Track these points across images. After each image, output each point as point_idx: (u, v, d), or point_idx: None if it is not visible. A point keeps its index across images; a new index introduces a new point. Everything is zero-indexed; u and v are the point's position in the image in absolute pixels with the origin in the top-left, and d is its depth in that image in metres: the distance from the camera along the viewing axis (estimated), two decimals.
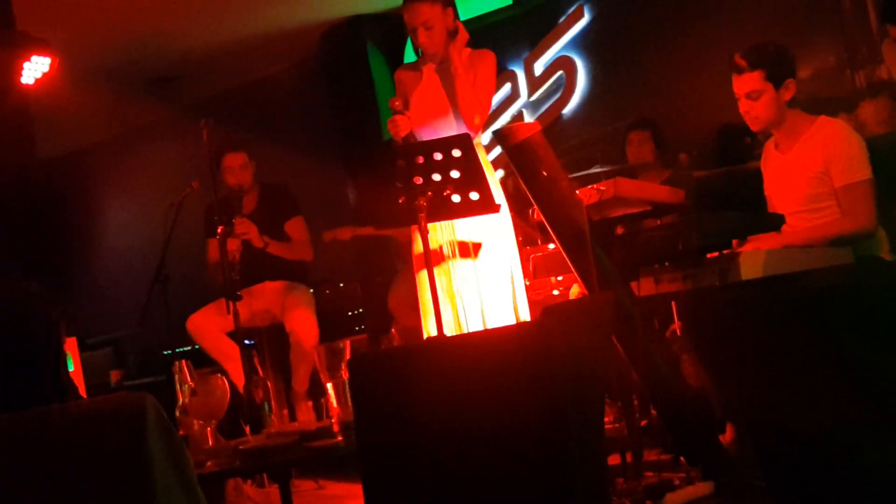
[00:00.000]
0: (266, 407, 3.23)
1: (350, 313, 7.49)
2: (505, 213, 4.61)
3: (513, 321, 4.57)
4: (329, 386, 2.94)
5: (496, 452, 2.31)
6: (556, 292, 5.66)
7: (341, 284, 7.52)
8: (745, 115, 4.28)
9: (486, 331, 2.86)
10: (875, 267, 3.95)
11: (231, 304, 4.90)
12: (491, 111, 7.61)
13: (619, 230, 4.18)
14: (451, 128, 4.68)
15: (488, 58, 4.75)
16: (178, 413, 3.00)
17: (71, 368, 5.56)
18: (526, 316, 4.57)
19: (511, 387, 2.34)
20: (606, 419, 4.42)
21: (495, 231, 4.65)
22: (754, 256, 3.72)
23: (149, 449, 1.77)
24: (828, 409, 2.42)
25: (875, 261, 4.05)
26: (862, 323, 2.56)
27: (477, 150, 4.36)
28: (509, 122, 7.71)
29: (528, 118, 7.67)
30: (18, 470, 1.78)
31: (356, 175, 6.04)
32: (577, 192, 3.99)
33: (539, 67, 7.64)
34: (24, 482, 1.77)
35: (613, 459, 4.14)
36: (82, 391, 5.45)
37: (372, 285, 7.38)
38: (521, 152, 3.86)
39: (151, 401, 1.84)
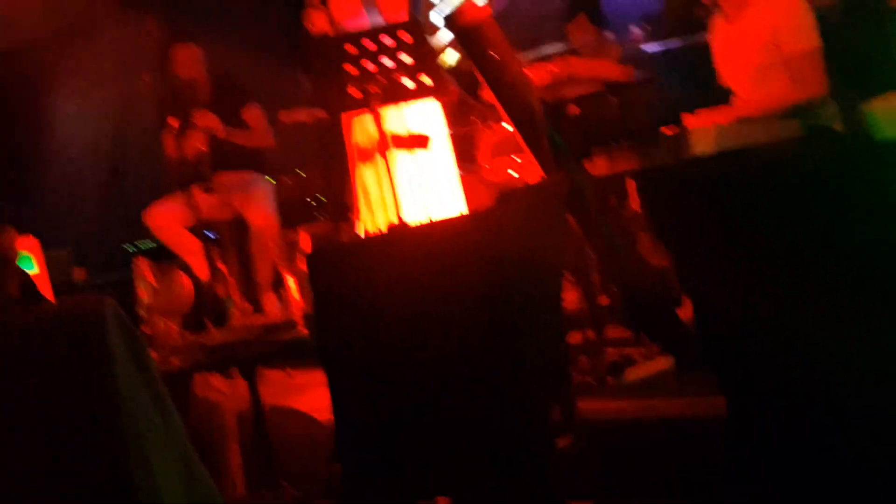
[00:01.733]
0: (229, 301, 3.25)
1: (311, 201, 7.48)
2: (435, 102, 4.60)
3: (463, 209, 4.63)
4: (289, 279, 2.97)
5: (451, 338, 2.35)
6: (514, 173, 5.67)
7: (302, 173, 7.49)
8: None
9: (439, 220, 2.89)
10: (824, 137, 4.00)
11: (190, 196, 4.87)
12: None
13: (572, 110, 4.20)
14: (366, 21, 4.64)
15: None
16: (141, 311, 3.02)
17: (33, 269, 5.55)
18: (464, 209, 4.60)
19: (465, 273, 2.38)
20: (569, 297, 4.49)
21: (431, 119, 4.63)
22: (705, 132, 3.76)
23: (111, 352, 1.79)
24: (774, 288, 2.47)
25: (825, 131, 4.09)
26: (809, 197, 2.61)
27: None
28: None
29: None
30: None
31: (308, 63, 5.97)
32: (529, 72, 3.99)
33: None
34: None
35: (577, 338, 4.22)
36: (49, 291, 5.47)
37: (332, 172, 7.34)
38: (470, 35, 3.85)
39: (111, 303, 1.85)
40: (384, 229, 4.54)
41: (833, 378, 2.44)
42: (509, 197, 2.65)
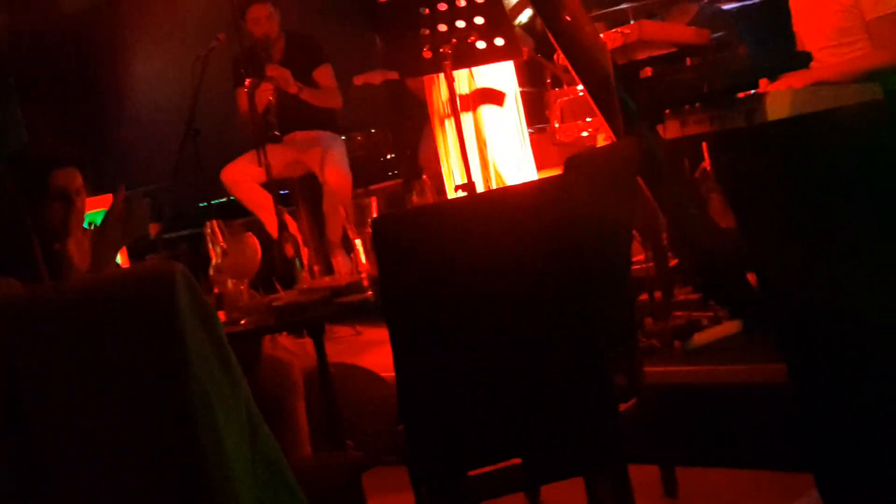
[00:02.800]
0: (297, 262, 3.29)
1: (382, 159, 7.51)
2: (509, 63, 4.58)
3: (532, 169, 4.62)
4: (357, 242, 2.99)
5: (517, 303, 2.37)
6: (585, 133, 5.65)
7: (373, 130, 7.51)
8: None
9: (506, 188, 2.89)
10: None
11: (263, 154, 4.92)
12: None
13: (645, 73, 4.15)
14: None
15: None
16: (211, 272, 3.07)
17: None
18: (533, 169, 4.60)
19: (534, 241, 2.38)
20: (638, 259, 4.48)
21: (511, 80, 4.62)
22: (781, 96, 3.69)
23: (180, 319, 1.82)
24: (846, 257, 2.44)
25: None
26: (882, 163, 2.57)
27: None
28: None
29: None
30: (52, 346, 1.85)
31: (381, 23, 5.96)
32: (602, 35, 3.96)
33: None
34: (57, 358, 1.84)
35: (645, 300, 4.21)
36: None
37: (403, 131, 7.36)
38: None
39: (181, 269, 1.88)
40: (456, 189, 4.56)
41: None
42: (578, 162, 2.63)
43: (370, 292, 2.85)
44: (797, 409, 2.67)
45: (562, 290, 2.42)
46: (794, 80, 3.95)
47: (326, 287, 2.96)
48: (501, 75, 4.68)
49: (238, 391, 1.96)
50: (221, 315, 2.86)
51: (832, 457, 2.54)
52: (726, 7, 6.16)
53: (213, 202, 6.38)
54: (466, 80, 4.62)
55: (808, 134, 3.14)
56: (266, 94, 5.31)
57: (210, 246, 3.05)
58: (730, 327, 3.84)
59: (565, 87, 5.79)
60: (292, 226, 5.60)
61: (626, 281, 3.04)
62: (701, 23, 5.57)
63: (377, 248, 2.24)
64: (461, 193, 4.32)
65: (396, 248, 2.21)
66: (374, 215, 2.96)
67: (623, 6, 5.88)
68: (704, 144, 4.17)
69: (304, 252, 4.66)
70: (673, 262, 4.41)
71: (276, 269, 3.55)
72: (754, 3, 6.20)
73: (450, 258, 2.26)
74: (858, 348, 2.43)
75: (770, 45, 5.63)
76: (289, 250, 3.45)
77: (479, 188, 4.44)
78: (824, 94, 3.79)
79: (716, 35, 4.55)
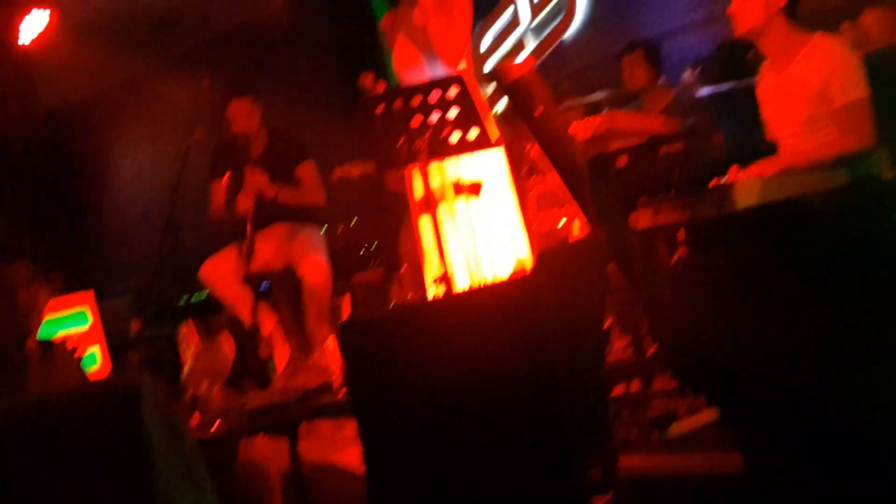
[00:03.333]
0: (270, 362, 3.30)
1: (364, 249, 7.54)
2: (499, 150, 4.64)
3: (520, 257, 4.62)
4: (329, 340, 3.00)
5: (489, 407, 2.36)
6: (562, 222, 5.68)
7: (354, 220, 7.55)
8: (732, 17, 4.26)
9: (473, 289, 2.91)
10: (869, 187, 3.96)
11: (243, 249, 4.93)
12: (492, 40, 7.61)
13: (617, 162, 4.21)
14: (427, 72, 4.68)
15: None
16: (183, 376, 3.07)
17: (87, 322, 5.65)
18: (527, 251, 4.61)
19: (502, 342, 2.39)
20: (618, 347, 4.48)
21: (493, 168, 4.67)
22: (750, 184, 3.74)
23: (146, 432, 1.83)
24: (821, 343, 2.46)
25: (870, 181, 4.05)
26: (852, 250, 2.59)
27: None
28: (511, 50, 7.66)
29: (531, 44, 7.61)
30: (21, 456, 1.84)
31: (358, 118, 6.04)
32: (573, 125, 4.01)
33: None
34: (25, 468, 1.83)
35: (622, 389, 4.19)
36: (103, 342, 5.55)
37: (384, 222, 7.40)
38: (515, 91, 3.87)
39: (147, 381, 1.89)
40: (434, 282, 4.57)
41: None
42: (547, 258, 2.66)
43: (340, 395, 2.85)
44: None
45: (530, 390, 2.42)
46: (763, 168, 4.00)
47: (300, 388, 2.96)
48: (491, 163, 4.72)
49: (204, 500, 1.95)
50: (195, 417, 2.86)
51: None
52: (701, 93, 6.24)
53: (192, 299, 6.37)
54: (446, 170, 4.65)
55: (777, 222, 3.17)
56: (245, 199, 5.34)
57: (183, 350, 3.06)
58: (706, 415, 3.83)
59: (541, 176, 5.84)
60: (272, 320, 5.57)
61: (599, 373, 3.05)
62: (676, 109, 5.66)
63: (344, 352, 2.24)
64: (439, 286, 4.33)
65: (362, 354, 2.22)
66: (346, 314, 2.98)
67: (598, 96, 5.97)
68: (678, 233, 4.20)
69: (285, 349, 4.65)
70: (651, 350, 4.41)
71: (251, 367, 3.56)
72: (728, 90, 6.28)
73: (417, 362, 2.27)
74: (817, 442, 2.44)
75: (744, 132, 5.70)
76: (263, 351, 3.46)
77: (463, 279, 4.46)
78: (793, 181, 3.84)
79: (689, 122, 4.62)
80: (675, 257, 4.48)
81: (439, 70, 4.63)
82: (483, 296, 2.62)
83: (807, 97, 4.15)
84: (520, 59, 7.45)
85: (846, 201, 3.44)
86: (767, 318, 2.67)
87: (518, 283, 2.76)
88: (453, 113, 4.25)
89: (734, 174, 4.01)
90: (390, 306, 4.41)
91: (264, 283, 6.12)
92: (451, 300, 3.21)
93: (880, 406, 2.49)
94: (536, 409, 2.42)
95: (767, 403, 2.69)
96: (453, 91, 4.19)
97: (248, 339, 4.89)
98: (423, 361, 2.27)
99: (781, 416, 2.63)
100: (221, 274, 5.78)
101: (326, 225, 6.36)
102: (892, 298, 2.57)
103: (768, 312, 2.68)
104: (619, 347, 4.54)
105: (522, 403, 2.41)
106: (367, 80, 4.58)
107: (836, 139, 4.08)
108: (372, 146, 4.55)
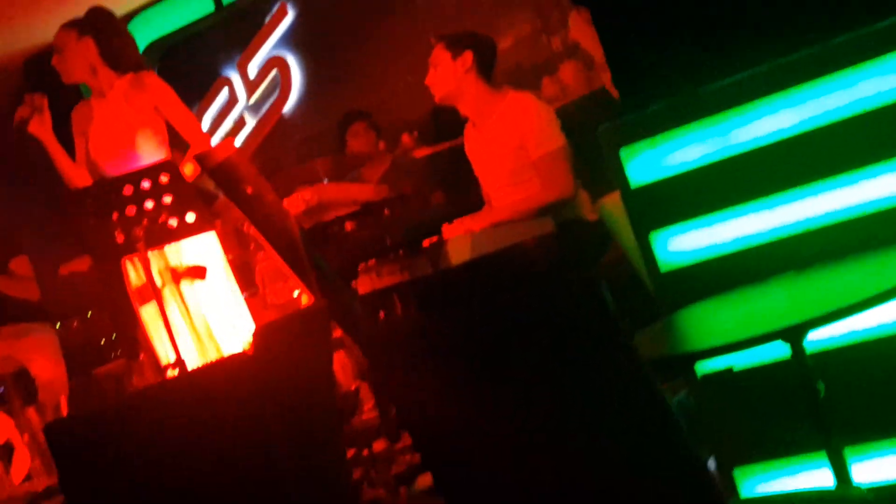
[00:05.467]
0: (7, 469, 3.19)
1: (104, 341, 7.33)
2: (211, 233, 4.63)
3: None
4: None
5: (216, 491, 2.37)
6: (296, 294, 5.72)
7: (90, 314, 7.34)
8: (430, 87, 4.46)
9: (189, 373, 2.92)
10: (573, 230, 4.19)
11: None
12: (211, 119, 7.62)
13: (332, 231, 4.30)
14: (138, 159, 4.64)
15: (151, 79, 4.65)
16: None
17: None
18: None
19: (222, 423, 2.40)
20: (365, 407, 4.54)
21: (210, 250, 4.67)
22: (461, 241, 3.90)
23: None
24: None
25: (574, 224, 4.26)
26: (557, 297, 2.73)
27: None
28: (231, 128, 7.69)
29: (250, 121, 7.65)
30: None
31: (72, 211, 5.91)
32: (285, 200, 4.08)
33: (253, 70, 7.61)
34: None
35: (377, 445, 4.25)
36: None
37: (121, 310, 7.22)
38: (220, 174, 3.91)
39: None
40: (168, 367, 4.51)
41: None
42: (266, 332, 2.68)
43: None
44: None
45: (260, 467, 2.44)
46: (471, 223, 4.18)
47: (24, 493, 2.88)
48: (206, 247, 4.71)
49: None
50: None
51: None
52: (420, 156, 6.44)
53: None
54: (168, 256, 4.62)
55: (486, 275, 3.30)
56: None
57: None
58: None
59: (265, 251, 5.87)
60: (8, 424, 5.36)
61: (332, 436, 3.09)
62: (395, 174, 5.83)
63: (54, 456, 2.21)
64: (172, 372, 4.29)
65: (70, 456, 2.19)
66: (64, 414, 2.92)
67: (319, 166, 6.07)
68: (394, 295, 4.33)
69: (25, 452, 4.50)
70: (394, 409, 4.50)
71: None
72: (445, 151, 6.51)
73: (133, 456, 2.25)
74: None
75: (466, 190, 5.93)
76: None
77: (197, 363, 4.43)
78: (501, 233, 4.03)
79: (400, 187, 4.78)
80: (383, 317, 4.60)
81: (147, 156, 4.61)
82: (201, 376, 2.62)
83: (508, 152, 4.36)
84: (236, 139, 7.51)
85: (551, 248, 3.63)
86: (470, 379, 2.75)
87: (236, 359, 2.78)
88: (168, 199, 4.25)
89: (446, 231, 4.17)
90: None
91: None
92: (165, 386, 3.18)
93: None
94: (267, 485, 2.44)
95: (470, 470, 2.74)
96: (164, 177, 4.18)
97: None
98: (141, 454, 2.25)
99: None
100: None
101: (59, 322, 6.16)
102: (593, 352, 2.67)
103: (472, 373, 2.75)
104: (367, 408, 4.62)
105: (252, 482, 2.42)
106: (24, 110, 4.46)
107: (539, 190, 4.30)
108: (88, 240, 4.49)
